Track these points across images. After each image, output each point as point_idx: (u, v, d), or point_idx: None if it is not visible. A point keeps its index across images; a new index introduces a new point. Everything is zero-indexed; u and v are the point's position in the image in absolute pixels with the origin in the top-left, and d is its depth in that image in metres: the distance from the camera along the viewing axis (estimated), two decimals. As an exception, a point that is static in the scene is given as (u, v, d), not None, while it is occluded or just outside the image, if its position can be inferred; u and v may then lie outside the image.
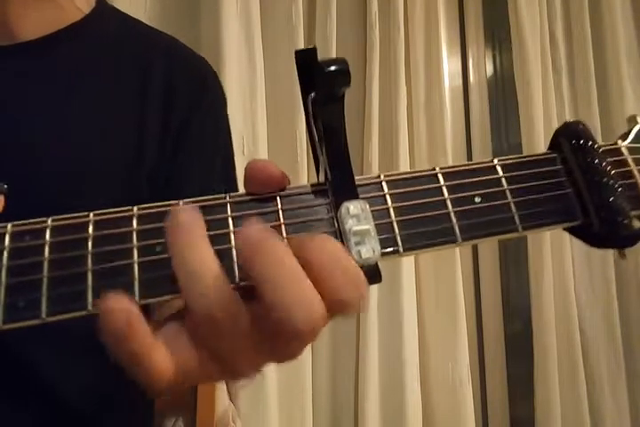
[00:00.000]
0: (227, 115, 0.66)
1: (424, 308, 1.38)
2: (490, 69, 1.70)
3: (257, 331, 0.28)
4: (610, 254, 1.47)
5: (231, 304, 0.27)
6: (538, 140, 1.44)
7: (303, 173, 1.26)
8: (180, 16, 1.27)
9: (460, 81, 1.65)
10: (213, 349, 0.29)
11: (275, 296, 0.27)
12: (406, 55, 1.43)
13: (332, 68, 0.29)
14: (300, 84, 0.32)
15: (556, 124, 1.50)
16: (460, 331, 1.35)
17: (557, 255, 1.43)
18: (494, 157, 0.34)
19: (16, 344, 0.47)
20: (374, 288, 1.30)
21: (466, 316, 1.37)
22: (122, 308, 0.27)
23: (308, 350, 1.24)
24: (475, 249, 1.58)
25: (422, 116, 1.44)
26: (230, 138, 0.66)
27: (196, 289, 0.27)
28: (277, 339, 0.28)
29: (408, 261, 1.33)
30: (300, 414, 1.22)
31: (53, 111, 0.54)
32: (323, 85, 0.30)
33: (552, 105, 1.50)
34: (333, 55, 1.32)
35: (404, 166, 1.35)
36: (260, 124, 1.23)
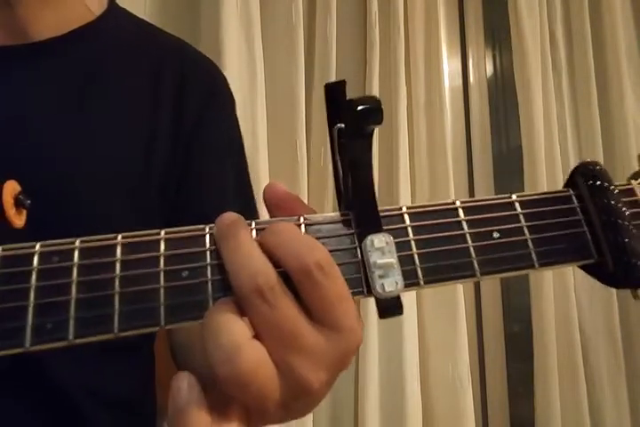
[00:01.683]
0: (236, 117, 0.66)
1: (424, 308, 1.38)
2: (490, 69, 1.70)
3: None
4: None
5: (255, 362, 0.28)
6: (538, 140, 1.44)
7: (303, 174, 1.26)
8: (180, 16, 1.27)
9: (459, 81, 1.65)
10: (247, 405, 0.30)
11: (229, 269, 0.29)
12: (406, 55, 1.43)
13: (364, 106, 0.30)
14: (328, 114, 0.33)
15: (555, 125, 1.51)
16: (460, 331, 1.35)
17: (557, 255, 1.42)
18: (512, 193, 0.35)
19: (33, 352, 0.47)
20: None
21: (466, 316, 1.37)
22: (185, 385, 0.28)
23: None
24: (475, 249, 1.58)
25: (422, 116, 1.44)
26: (241, 139, 0.66)
27: (220, 356, 0.28)
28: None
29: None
30: (300, 414, 1.22)
31: (64, 112, 0.54)
32: (353, 122, 0.31)
33: (552, 105, 1.50)
34: (333, 55, 1.32)
35: (403, 166, 1.35)
36: (260, 124, 1.23)
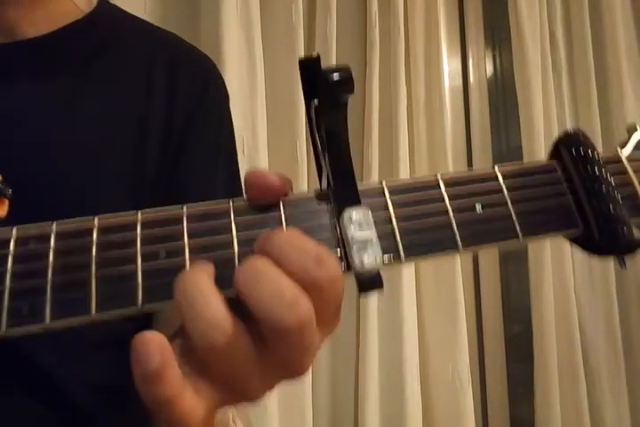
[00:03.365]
0: (229, 113, 0.66)
1: (424, 308, 1.38)
2: (490, 69, 1.70)
3: (258, 349, 0.28)
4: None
5: (232, 337, 0.27)
6: (538, 140, 1.44)
7: (303, 174, 1.26)
8: (180, 16, 1.27)
9: (459, 81, 1.65)
10: (224, 377, 0.29)
11: (250, 297, 0.27)
12: (406, 55, 1.43)
13: (336, 76, 0.30)
14: (304, 91, 0.32)
15: (556, 125, 1.51)
16: (460, 331, 1.35)
17: (557, 255, 1.43)
18: (495, 164, 0.35)
19: (25, 344, 0.47)
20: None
21: (466, 316, 1.37)
22: (155, 350, 0.27)
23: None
24: (475, 249, 1.58)
25: (422, 116, 1.44)
26: (233, 136, 0.66)
27: (198, 329, 0.27)
28: (276, 348, 0.28)
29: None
30: (299, 414, 1.22)
31: (53, 110, 0.53)
32: (326, 93, 0.30)
33: (552, 105, 1.50)
34: (333, 55, 1.32)
35: (403, 166, 1.35)
36: (260, 124, 1.23)
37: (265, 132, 1.25)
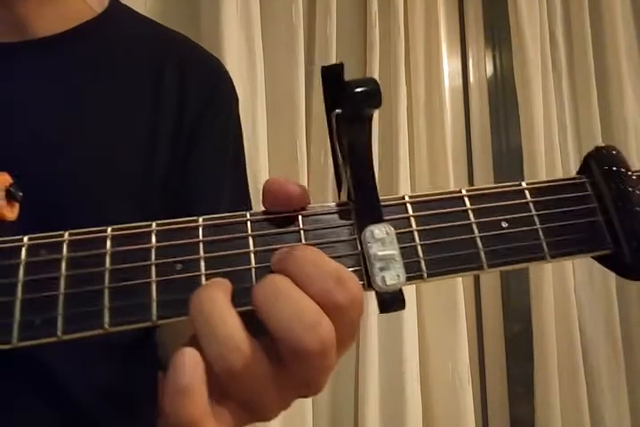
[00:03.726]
0: (238, 116, 0.66)
1: (424, 308, 1.38)
2: (490, 69, 1.70)
3: (276, 369, 0.28)
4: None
5: (250, 359, 0.27)
6: (538, 140, 1.43)
7: (303, 174, 1.26)
8: (180, 16, 1.27)
9: (460, 81, 1.65)
10: (242, 399, 0.28)
11: (269, 316, 0.27)
12: (406, 55, 1.42)
13: (363, 89, 0.29)
14: (325, 100, 0.31)
15: (556, 125, 1.51)
16: (460, 331, 1.35)
17: (557, 255, 1.42)
18: (522, 180, 0.33)
19: (30, 348, 0.47)
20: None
21: (466, 316, 1.37)
22: (192, 364, 0.26)
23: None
24: (475, 249, 1.58)
25: (422, 116, 1.43)
26: (242, 139, 0.66)
27: (215, 351, 0.27)
28: (295, 369, 0.28)
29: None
30: (300, 414, 1.22)
31: (63, 110, 0.53)
32: (351, 106, 0.29)
33: (552, 105, 1.50)
34: (333, 55, 1.32)
35: (403, 166, 1.35)
36: (260, 124, 1.23)
37: (265, 132, 1.25)
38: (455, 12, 1.66)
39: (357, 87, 0.29)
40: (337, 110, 0.30)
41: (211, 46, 1.17)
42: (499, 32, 1.68)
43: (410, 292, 1.33)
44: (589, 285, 1.49)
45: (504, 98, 1.65)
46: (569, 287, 1.43)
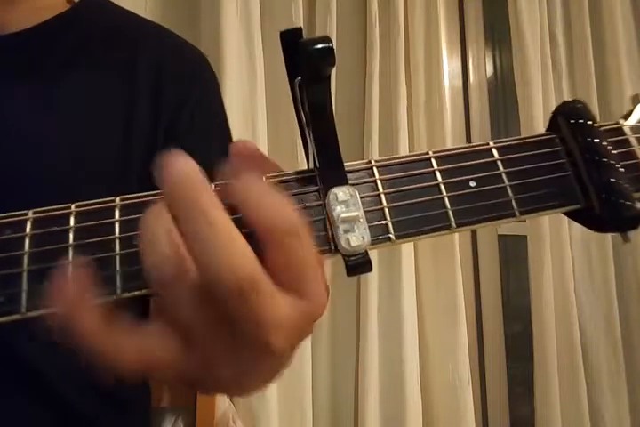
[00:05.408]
0: (222, 102, 0.65)
1: (424, 308, 1.38)
2: (490, 69, 1.70)
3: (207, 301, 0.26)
4: (610, 254, 1.47)
5: (178, 263, 0.26)
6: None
7: (303, 173, 1.26)
8: (180, 16, 1.27)
9: (460, 81, 1.65)
10: (179, 323, 0.27)
11: (196, 247, 0.25)
12: (406, 55, 1.43)
13: (316, 46, 0.28)
14: (287, 67, 0.31)
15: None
16: (460, 331, 1.35)
17: (557, 255, 1.43)
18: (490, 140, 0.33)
19: (14, 344, 0.47)
20: (374, 289, 1.30)
21: (466, 316, 1.37)
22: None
23: (307, 350, 1.24)
24: (474, 249, 1.58)
25: (422, 116, 1.44)
26: (227, 127, 0.65)
27: (151, 258, 0.26)
28: (222, 297, 0.26)
29: (408, 261, 1.33)
30: (300, 415, 1.22)
31: (39, 104, 0.53)
32: (307, 66, 0.29)
33: (552, 105, 1.50)
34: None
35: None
36: (260, 124, 1.23)
37: (265, 132, 1.25)
38: (455, 12, 1.66)
39: (311, 45, 0.28)
40: (298, 78, 0.30)
41: (211, 46, 1.17)
42: (499, 32, 1.68)
43: (410, 292, 1.33)
44: (589, 285, 1.49)
45: (504, 98, 1.65)
46: (569, 287, 1.43)
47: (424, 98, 1.44)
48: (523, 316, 1.49)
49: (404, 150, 1.36)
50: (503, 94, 1.66)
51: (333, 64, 0.28)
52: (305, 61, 0.29)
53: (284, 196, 0.27)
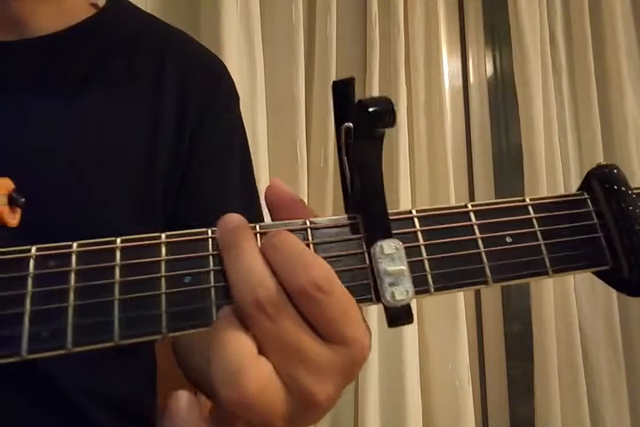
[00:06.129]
0: (240, 115, 0.65)
1: (424, 308, 1.38)
2: (490, 69, 1.70)
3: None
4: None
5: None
6: (538, 140, 1.43)
7: (303, 174, 1.26)
8: (180, 16, 1.27)
9: (460, 81, 1.65)
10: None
11: (229, 279, 0.28)
12: (406, 55, 1.42)
13: (377, 108, 0.28)
14: (335, 113, 0.31)
15: (555, 125, 1.51)
16: (460, 331, 1.35)
17: (557, 255, 1.42)
18: (525, 196, 0.34)
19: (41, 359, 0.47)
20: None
21: (466, 316, 1.37)
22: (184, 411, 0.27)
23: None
24: (475, 249, 1.57)
25: (422, 116, 1.43)
26: (246, 138, 0.65)
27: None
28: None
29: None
30: (299, 415, 1.22)
31: (64, 109, 0.53)
32: (364, 123, 0.29)
33: (552, 105, 1.50)
34: (333, 55, 1.32)
35: (403, 166, 1.35)
36: (260, 124, 1.23)
37: (265, 132, 1.25)
38: (455, 12, 1.66)
39: (372, 106, 0.28)
40: (347, 124, 0.30)
41: (211, 46, 1.16)
42: (499, 32, 1.68)
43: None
44: (589, 285, 1.49)
45: (504, 98, 1.65)
46: (569, 287, 1.43)
47: (424, 98, 1.44)
48: (523, 316, 1.49)
49: (403, 150, 1.36)
50: (503, 94, 1.66)
51: (392, 126, 0.29)
52: (362, 119, 0.29)
53: (313, 253, 0.29)
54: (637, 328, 1.50)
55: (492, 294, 1.55)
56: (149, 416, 0.60)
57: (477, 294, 1.55)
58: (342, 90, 0.31)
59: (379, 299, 0.30)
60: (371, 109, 0.28)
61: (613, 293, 1.47)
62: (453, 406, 1.33)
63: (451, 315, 1.36)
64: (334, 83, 0.31)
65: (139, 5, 0.65)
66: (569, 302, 1.42)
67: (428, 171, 1.41)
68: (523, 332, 1.49)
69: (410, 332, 1.31)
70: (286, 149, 1.27)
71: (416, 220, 0.32)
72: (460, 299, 1.36)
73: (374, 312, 1.30)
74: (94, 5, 0.59)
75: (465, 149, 1.60)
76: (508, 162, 1.62)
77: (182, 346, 0.61)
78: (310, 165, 1.29)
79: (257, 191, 0.64)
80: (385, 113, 0.28)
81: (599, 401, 1.43)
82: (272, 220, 0.32)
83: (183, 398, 0.28)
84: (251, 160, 0.65)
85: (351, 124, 0.30)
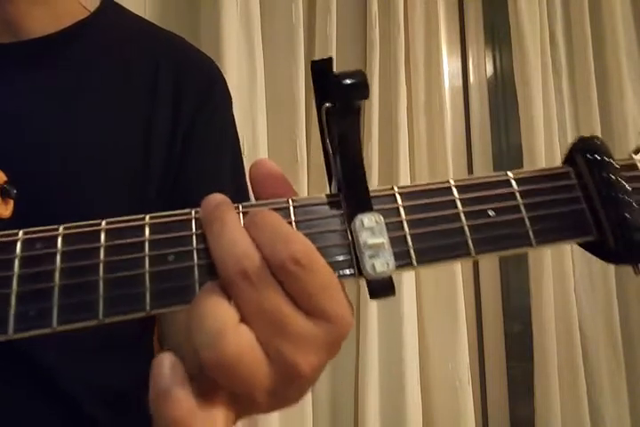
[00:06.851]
0: (233, 116, 0.66)
1: (424, 308, 1.38)
2: (490, 69, 1.70)
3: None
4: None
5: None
6: (538, 140, 1.43)
7: (303, 174, 1.26)
8: (180, 16, 1.27)
9: (460, 81, 1.65)
10: (231, 388, 0.29)
11: (214, 252, 0.29)
12: (406, 55, 1.42)
13: (350, 80, 0.30)
14: (315, 93, 0.32)
15: (555, 124, 1.51)
16: (460, 331, 1.35)
17: (557, 255, 1.43)
18: (507, 170, 0.34)
19: (28, 347, 0.47)
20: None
21: (466, 316, 1.37)
22: (167, 369, 0.28)
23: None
24: (475, 249, 1.58)
25: (422, 116, 1.43)
26: (237, 139, 0.66)
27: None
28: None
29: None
30: (299, 414, 1.22)
31: (58, 110, 0.53)
32: (340, 97, 0.30)
33: (552, 105, 1.50)
34: (333, 55, 1.32)
35: (403, 166, 1.35)
36: (260, 124, 1.23)
37: (265, 132, 1.25)
38: (455, 12, 1.66)
39: (346, 79, 0.29)
40: (327, 104, 0.31)
41: (211, 46, 1.17)
42: (499, 32, 1.68)
43: (410, 292, 1.33)
44: (589, 285, 1.49)
45: (504, 98, 1.65)
46: (569, 287, 1.43)
47: (424, 98, 1.44)
48: (523, 316, 1.49)
49: (403, 150, 1.36)
50: (503, 94, 1.66)
51: (366, 97, 0.30)
52: (338, 94, 0.30)
53: (290, 227, 0.30)
54: (637, 328, 1.50)
55: (491, 294, 1.56)
56: (147, 410, 0.60)
57: (477, 293, 1.55)
58: (321, 69, 0.31)
59: (361, 273, 0.30)
60: (345, 82, 0.29)
61: (613, 293, 1.47)
62: (453, 405, 1.33)
63: (451, 315, 1.36)
64: (313, 62, 0.32)
65: (138, 6, 0.65)
66: (569, 302, 1.43)
67: (428, 171, 1.41)
68: (523, 332, 1.49)
69: (410, 331, 1.31)
70: (286, 148, 1.27)
71: (398, 196, 0.32)
72: (460, 299, 1.36)
73: (374, 312, 1.30)
74: (86, 8, 0.60)
75: (465, 149, 1.61)
76: (508, 162, 1.62)
77: (168, 338, 0.61)
78: (310, 165, 1.29)
79: (248, 191, 0.64)
80: (359, 85, 0.30)
81: (599, 401, 1.43)
82: (254, 196, 0.33)
83: (167, 358, 0.28)
84: (242, 160, 0.66)
85: (330, 104, 0.31)
